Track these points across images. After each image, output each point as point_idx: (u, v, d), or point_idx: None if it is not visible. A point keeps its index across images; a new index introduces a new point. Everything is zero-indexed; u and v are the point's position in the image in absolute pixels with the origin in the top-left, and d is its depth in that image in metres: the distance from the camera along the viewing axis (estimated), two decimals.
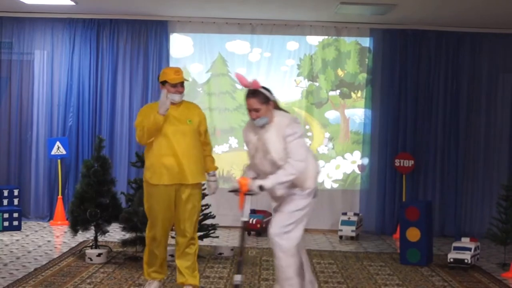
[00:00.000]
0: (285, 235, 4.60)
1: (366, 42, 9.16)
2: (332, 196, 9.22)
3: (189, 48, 9.20)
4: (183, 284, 5.32)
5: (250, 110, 4.62)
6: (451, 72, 9.07)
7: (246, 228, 4.68)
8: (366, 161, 9.17)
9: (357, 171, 9.22)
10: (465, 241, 6.88)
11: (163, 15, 9.00)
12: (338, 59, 9.17)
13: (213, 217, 6.92)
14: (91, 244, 7.02)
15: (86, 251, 6.59)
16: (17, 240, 7.64)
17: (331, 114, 9.23)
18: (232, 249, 7.06)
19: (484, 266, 6.93)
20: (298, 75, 9.19)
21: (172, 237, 5.47)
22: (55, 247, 7.36)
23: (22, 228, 8.30)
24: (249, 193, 4.54)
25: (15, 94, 9.10)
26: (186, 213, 5.20)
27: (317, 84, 9.18)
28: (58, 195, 8.88)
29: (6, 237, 7.78)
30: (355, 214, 8.61)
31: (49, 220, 8.96)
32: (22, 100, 9.12)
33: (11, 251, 6.99)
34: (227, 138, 9.14)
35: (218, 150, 9.10)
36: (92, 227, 6.72)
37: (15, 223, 8.25)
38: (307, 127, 9.17)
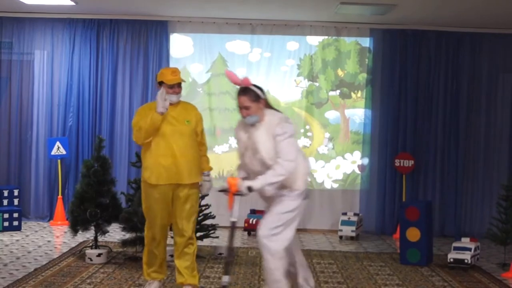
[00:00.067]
0: (274, 237, 4.53)
1: (366, 42, 9.16)
2: (332, 196, 9.22)
3: (189, 48, 9.20)
4: (182, 284, 5.32)
5: (241, 107, 4.61)
6: (451, 72, 9.07)
7: (235, 228, 4.61)
8: (366, 161, 9.17)
9: (357, 171, 9.22)
10: (465, 241, 6.88)
11: (163, 15, 9.00)
12: (338, 59, 9.17)
13: (213, 217, 6.92)
14: (91, 244, 7.01)
15: (86, 251, 6.59)
16: (17, 240, 7.64)
17: (331, 114, 9.23)
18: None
19: (484, 266, 6.93)
20: (298, 75, 9.19)
21: (172, 237, 5.47)
22: (55, 247, 7.35)
23: (22, 228, 8.30)
24: (238, 193, 4.50)
25: (15, 94, 9.10)
26: (184, 213, 5.20)
27: (317, 84, 9.18)
28: (58, 195, 8.88)
29: (6, 237, 7.78)
30: (355, 214, 8.61)
31: (49, 220, 8.96)
32: (22, 100, 9.12)
33: (11, 251, 6.99)
34: (227, 138, 9.13)
35: (218, 150, 9.10)
36: (92, 227, 6.72)
37: (15, 223, 8.25)
38: (307, 127, 9.17)
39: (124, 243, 6.56)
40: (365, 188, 9.14)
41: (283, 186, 4.57)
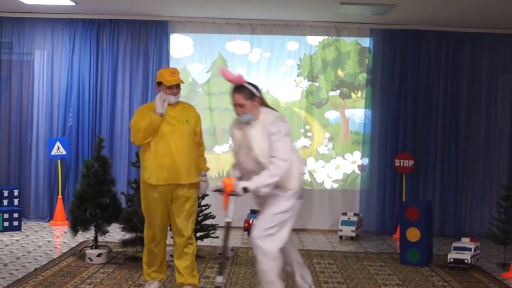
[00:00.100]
0: (268, 238, 4.47)
1: (366, 42, 9.16)
2: (332, 196, 9.22)
3: (189, 48, 9.20)
4: (182, 284, 5.31)
5: (235, 105, 4.56)
6: (451, 72, 9.07)
7: (230, 229, 4.58)
8: (366, 161, 9.17)
9: (357, 171, 9.22)
10: (465, 241, 6.87)
11: (163, 15, 8.99)
12: (338, 59, 9.17)
13: (213, 217, 6.92)
14: (91, 244, 7.01)
15: (86, 251, 6.59)
16: (17, 240, 7.64)
17: (331, 114, 9.23)
18: (232, 249, 7.06)
19: (484, 266, 6.93)
20: (298, 75, 9.19)
21: (171, 237, 5.47)
22: (55, 247, 7.35)
23: (22, 228, 8.30)
24: (233, 193, 4.47)
25: (15, 94, 9.10)
26: (183, 213, 5.20)
27: (317, 84, 9.18)
28: (58, 195, 8.87)
29: (6, 237, 7.78)
30: (355, 214, 8.61)
31: (49, 220, 8.96)
32: (22, 100, 9.12)
33: (11, 251, 6.98)
34: (227, 138, 9.12)
35: (218, 150, 9.10)
36: (92, 227, 6.72)
37: (15, 223, 8.24)
38: (307, 127, 9.17)
39: (124, 243, 6.56)
40: (365, 188, 9.14)
41: (277, 186, 4.50)
